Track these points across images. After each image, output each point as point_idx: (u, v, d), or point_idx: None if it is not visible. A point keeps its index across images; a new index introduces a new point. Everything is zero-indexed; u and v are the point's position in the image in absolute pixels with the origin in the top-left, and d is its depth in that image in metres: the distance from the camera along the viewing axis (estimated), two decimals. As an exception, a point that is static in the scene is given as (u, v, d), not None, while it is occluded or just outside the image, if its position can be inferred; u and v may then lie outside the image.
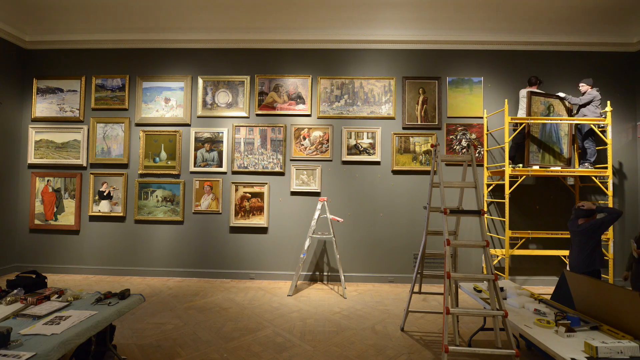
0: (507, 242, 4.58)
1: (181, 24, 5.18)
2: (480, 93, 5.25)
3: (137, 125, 5.41)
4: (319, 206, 4.73)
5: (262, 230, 5.25)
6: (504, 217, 4.75)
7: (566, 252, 4.88)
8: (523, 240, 4.77)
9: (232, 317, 3.75)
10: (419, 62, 5.34)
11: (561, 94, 4.84)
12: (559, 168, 4.76)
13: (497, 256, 5.00)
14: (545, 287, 4.93)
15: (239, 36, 5.33)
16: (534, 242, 5.10)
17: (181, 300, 4.29)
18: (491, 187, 5.13)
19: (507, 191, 4.54)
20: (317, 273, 5.24)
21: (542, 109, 4.90)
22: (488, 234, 5.09)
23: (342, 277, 4.57)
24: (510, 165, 4.65)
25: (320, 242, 5.27)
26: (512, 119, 4.58)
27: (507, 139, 4.57)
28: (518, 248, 4.77)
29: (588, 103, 4.68)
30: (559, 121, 4.67)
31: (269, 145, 5.30)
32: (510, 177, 4.64)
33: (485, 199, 5.07)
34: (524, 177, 4.73)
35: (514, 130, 4.78)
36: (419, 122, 5.26)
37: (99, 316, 2.30)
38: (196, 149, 5.34)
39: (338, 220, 4.70)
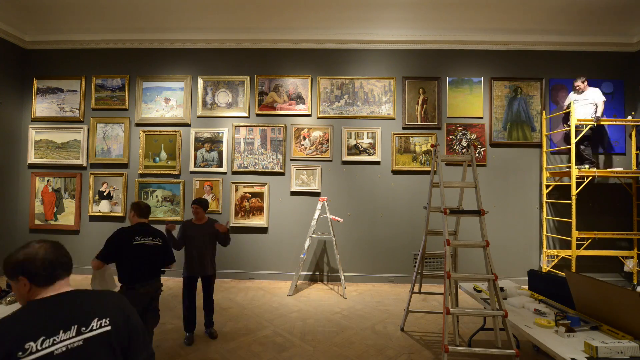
0: (573, 242, 4.49)
1: (181, 23, 5.18)
2: (480, 93, 5.25)
3: (137, 125, 5.41)
4: (319, 206, 4.73)
5: (262, 230, 5.25)
6: (561, 218, 4.86)
7: (624, 253, 4.85)
8: (590, 240, 4.69)
9: (232, 317, 3.75)
10: (419, 62, 5.34)
11: None
12: (621, 169, 4.77)
13: (558, 256, 4.96)
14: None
15: (239, 36, 5.33)
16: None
17: (181, 300, 4.27)
18: (550, 188, 5.07)
19: (574, 192, 4.49)
20: (317, 273, 5.23)
21: (508, 91, 5.22)
22: (547, 234, 5.07)
23: (342, 277, 4.57)
24: (577, 167, 4.59)
25: (320, 242, 5.27)
26: (578, 120, 4.53)
27: (574, 139, 4.50)
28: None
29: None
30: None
31: (269, 145, 5.30)
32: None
33: (545, 199, 5.06)
34: (590, 178, 4.66)
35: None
36: (419, 122, 5.25)
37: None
38: (196, 149, 5.34)
39: (338, 220, 4.70)
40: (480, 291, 3.20)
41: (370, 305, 4.18)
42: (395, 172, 5.23)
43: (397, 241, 5.17)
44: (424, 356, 2.93)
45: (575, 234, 4.52)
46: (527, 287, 3.32)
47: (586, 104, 4.72)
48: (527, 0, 4.50)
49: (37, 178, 5.41)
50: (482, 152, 5.20)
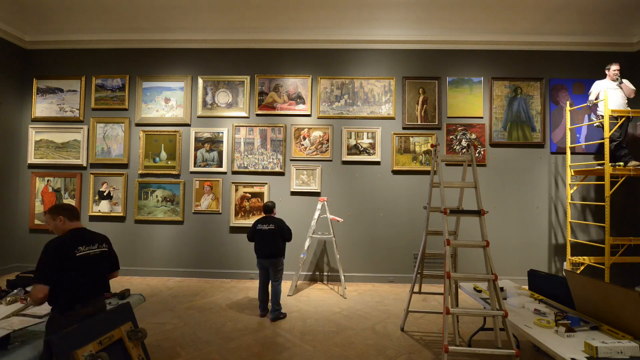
0: (607, 249, 4.07)
1: (181, 24, 5.18)
2: (480, 93, 5.25)
3: (137, 125, 5.41)
4: (319, 206, 4.73)
5: (262, 230, 5.24)
6: (587, 221, 4.66)
7: None
8: (625, 246, 4.31)
9: (232, 317, 3.74)
10: (419, 62, 5.34)
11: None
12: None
13: (584, 263, 4.61)
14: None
15: (239, 36, 5.33)
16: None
17: (181, 300, 4.29)
18: (575, 188, 4.86)
19: (608, 193, 4.05)
20: (317, 273, 5.23)
21: (508, 91, 5.22)
22: (570, 239, 4.86)
23: (342, 277, 4.57)
24: (611, 164, 4.14)
25: (320, 242, 5.27)
26: (612, 111, 4.18)
27: (607, 133, 4.13)
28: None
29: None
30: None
31: (269, 145, 5.30)
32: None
33: (569, 200, 4.86)
34: (625, 177, 4.22)
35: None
36: (419, 122, 5.25)
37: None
38: (196, 149, 5.34)
39: (338, 220, 4.70)
40: (480, 291, 3.20)
41: (370, 305, 4.18)
42: (395, 172, 5.23)
43: (397, 241, 5.17)
44: (424, 356, 2.93)
45: (609, 239, 4.07)
46: (527, 287, 3.32)
47: (619, 93, 4.33)
48: (527, 0, 4.50)
49: (37, 178, 5.41)
50: (482, 152, 5.20)
